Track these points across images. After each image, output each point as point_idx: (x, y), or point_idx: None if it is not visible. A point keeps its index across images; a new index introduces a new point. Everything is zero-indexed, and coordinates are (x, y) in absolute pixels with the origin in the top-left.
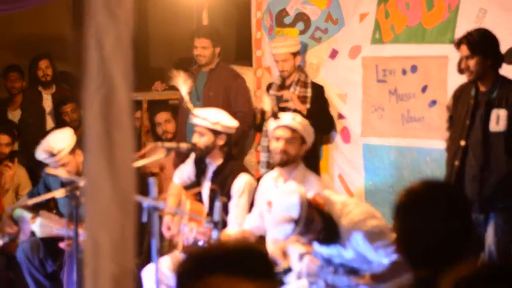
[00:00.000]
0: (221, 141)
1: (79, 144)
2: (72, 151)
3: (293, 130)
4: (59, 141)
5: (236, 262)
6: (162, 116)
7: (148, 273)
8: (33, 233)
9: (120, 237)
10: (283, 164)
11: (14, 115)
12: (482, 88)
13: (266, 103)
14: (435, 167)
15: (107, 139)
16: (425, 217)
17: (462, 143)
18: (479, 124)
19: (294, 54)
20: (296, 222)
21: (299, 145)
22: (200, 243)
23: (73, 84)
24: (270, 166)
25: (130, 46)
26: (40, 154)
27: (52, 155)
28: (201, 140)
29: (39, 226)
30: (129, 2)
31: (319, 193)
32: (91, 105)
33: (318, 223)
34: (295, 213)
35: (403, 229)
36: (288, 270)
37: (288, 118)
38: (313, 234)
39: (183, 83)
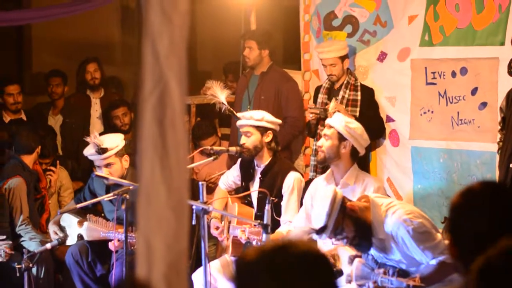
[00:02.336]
0: (268, 138)
1: (128, 150)
2: (120, 154)
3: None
4: (109, 140)
5: (302, 267)
6: (209, 142)
7: (198, 277)
8: (81, 237)
9: (173, 241)
10: (319, 162)
11: (56, 120)
12: None
13: (331, 107)
14: (486, 170)
15: (161, 142)
16: (484, 219)
17: None
18: None
19: (342, 58)
20: (323, 229)
21: (337, 146)
22: (254, 242)
23: (121, 88)
24: (317, 170)
25: (185, 49)
26: (89, 148)
27: (100, 150)
28: (248, 140)
29: (87, 229)
30: (184, 5)
31: (367, 195)
32: (146, 108)
33: (350, 230)
34: (321, 221)
35: (459, 231)
36: (338, 273)
37: (337, 120)
38: (346, 239)
39: (220, 92)
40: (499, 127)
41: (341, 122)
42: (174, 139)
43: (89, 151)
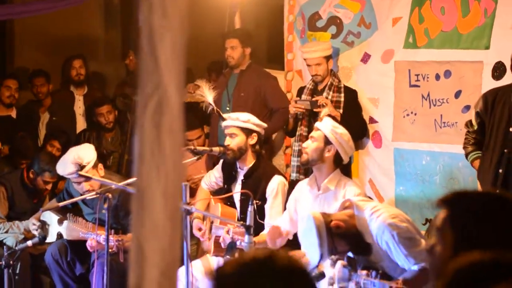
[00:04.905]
0: (252, 140)
1: (100, 158)
2: (95, 165)
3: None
4: (86, 154)
5: (281, 280)
6: (193, 134)
7: (179, 276)
8: (60, 236)
9: (167, 247)
10: (302, 163)
11: (44, 118)
12: None
13: (323, 113)
14: (468, 173)
15: (158, 148)
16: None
17: (506, 150)
18: None
19: (327, 58)
20: (320, 256)
21: (322, 149)
22: (238, 243)
23: (103, 84)
24: (300, 171)
25: (184, 54)
26: (68, 167)
27: (81, 167)
28: (233, 141)
29: (66, 228)
30: (184, 9)
31: (350, 199)
32: (144, 112)
33: (343, 246)
34: (316, 254)
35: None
36: (321, 276)
37: (325, 124)
38: (342, 255)
39: (208, 92)
40: (468, 129)
41: (329, 126)
42: (171, 145)
43: (67, 171)
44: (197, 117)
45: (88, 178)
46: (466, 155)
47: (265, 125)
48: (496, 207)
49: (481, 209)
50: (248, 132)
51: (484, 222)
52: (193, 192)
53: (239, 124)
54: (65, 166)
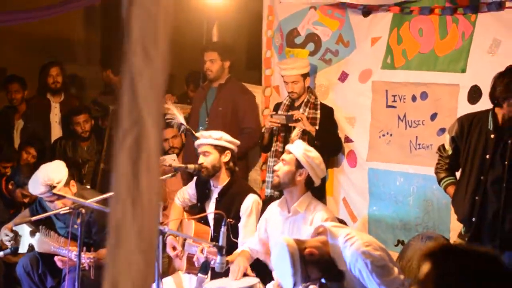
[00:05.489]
0: (226, 158)
1: (75, 167)
2: (67, 183)
3: (293, 156)
4: (56, 173)
5: None
6: (168, 132)
7: None
8: (32, 247)
9: (141, 284)
10: (273, 186)
11: (18, 125)
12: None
13: (294, 133)
14: (442, 196)
15: (134, 184)
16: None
17: (482, 178)
18: (499, 159)
19: (304, 76)
20: (294, 284)
21: (293, 172)
22: (212, 262)
23: (82, 87)
24: (272, 186)
25: (163, 92)
26: (39, 188)
27: (52, 188)
28: (207, 159)
29: (38, 241)
30: (164, 46)
31: (323, 225)
32: (121, 148)
33: (316, 273)
34: (289, 283)
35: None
36: None
37: (297, 148)
38: (314, 281)
39: (178, 113)
40: (441, 154)
41: (301, 149)
42: (147, 182)
43: (40, 189)
44: None
45: (60, 197)
46: (439, 181)
47: (238, 142)
48: (484, 269)
49: (467, 270)
50: (221, 149)
51: (470, 284)
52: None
53: (212, 142)
54: (35, 187)
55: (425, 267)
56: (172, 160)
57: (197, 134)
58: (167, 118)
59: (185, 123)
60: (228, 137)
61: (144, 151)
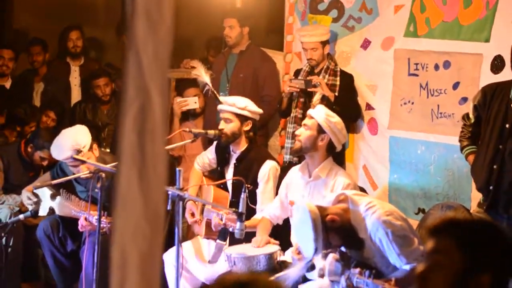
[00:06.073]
0: (247, 127)
1: (95, 130)
2: (90, 147)
3: (314, 121)
4: (83, 137)
5: None
6: (191, 92)
7: (169, 257)
8: (52, 211)
9: (148, 252)
10: (295, 151)
11: (38, 87)
12: None
13: (315, 98)
14: (463, 164)
15: (139, 153)
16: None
17: (501, 147)
18: None
19: (324, 43)
20: (315, 250)
21: (315, 137)
22: (230, 229)
23: (101, 51)
24: (293, 151)
25: (168, 61)
26: (65, 152)
27: (78, 152)
28: (227, 126)
29: (59, 204)
30: (169, 16)
31: (344, 193)
32: (126, 117)
33: (336, 240)
34: (311, 248)
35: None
36: (311, 267)
37: (319, 113)
38: (334, 249)
39: (205, 73)
40: (464, 122)
41: (323, 114)
42: (153, 152)
43: (63, 156)
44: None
45: (83, 162)
46: (461, 149)
47: (261, 111)
48: (482, 240)
49: (465, 242)
50: (243, 118)
51: (469, 256)
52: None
53: (235, 111)
54: (61, 151)
55: (429, 244)
56: (193, 102)
57: (221, 99)
58: (194, 74)
59: (210, 84)
60: (252, 107)
61: (149, 120)
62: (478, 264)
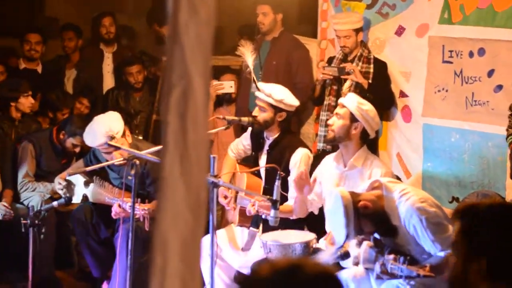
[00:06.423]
0: (280, 118)
1: (127, 117)
2: (123, 133)
3: (347, 110)
4: (116, 124)
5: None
6: (227, 77)
7: (203, 246)
8: (86, 198)
9: (190, 239)
10: (328, 141)
11: (70, 74)
12: None
13: (346, 86)
14: (497, 152)
15: (182, 138)
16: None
17: None
18: None
19: (357, 31)
20: (346, 236)
21: (348, 126)
22: (263, 216)
23: (133, 38)
24: (326, 141)
25: (211, 45)
26: (99, 139)
27: (112, 138)
28: (261, 115)
29: (92, 192)
30: (212, 3)
31: (379, 179)
32: (169, 101)
33: (369, 227)
34: (342, 234)
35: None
36: (345, 255)
37: (351, 101)
38: (367, 235)
39: (249, 54)
40: (510, 113)
41: (354, 102)
42: (195, 137)
43: (97, 142)
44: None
45: (117, 148)
46: (506, 137)
47: (297, 104)
48: (504, 215)
49: (490, 218)
50: (278, 109)
51: (494, 230)
52: None
53: (271, 102)
54: (95, 138)
55: (456, 227)
56: (229, 86)
57: (259, 85)
58: (238, 53)
59: (251, 67)
60: (289, 100)
61: (191, 105)
62: (476, 249)
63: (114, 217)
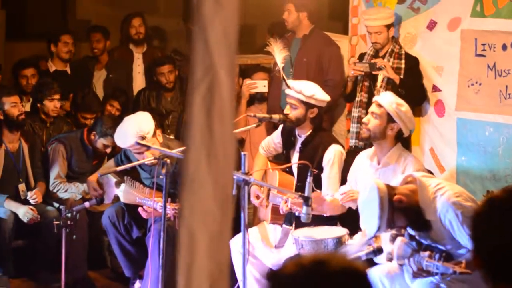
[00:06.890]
0: (312, 114)
1: (159, 117)
2: (154, 133)
3: (384, 111)
4: (146, 124)
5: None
6: (260, 76)
7: (236, 244)
8: (117, 198)
9: (218, 235)
10: (362, 139)
11: (100, 75)
12: None
13: (379, 81)
14: None
15: (208, 133)
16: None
17: None
18: None
19: (388, 26)
20: (378, 228)
21: (384, 126)
22: (296, 213)
23: (164, 40)
24: (361, 139)
25: (236, 38)
26: (130, 139)
27: (143, 138)
28: (292, 112)
29: (123, 192)
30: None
31: (412, 174)
32: (194, 96)
33: (402, 221)
34: (374, 225)
35: (483, 241)
36: (379, 251)
37: (388, 101)
38: (398, 229)
39: (279, 52)
40: None
41: (392, 103)
42: (221, 132)
43: (128, 143)
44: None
45: (147, 147)
46: None
47: (328, 99)
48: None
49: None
50: (309, 106)
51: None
52: None
53: (302, 98)
54: (125, 139)
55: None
56: (262, 86)
57: (289, 83)
58: (267, 49)
59: (280, 65)
60: (319, 95)
61: (217, 100)
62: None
63: (145, 217)
